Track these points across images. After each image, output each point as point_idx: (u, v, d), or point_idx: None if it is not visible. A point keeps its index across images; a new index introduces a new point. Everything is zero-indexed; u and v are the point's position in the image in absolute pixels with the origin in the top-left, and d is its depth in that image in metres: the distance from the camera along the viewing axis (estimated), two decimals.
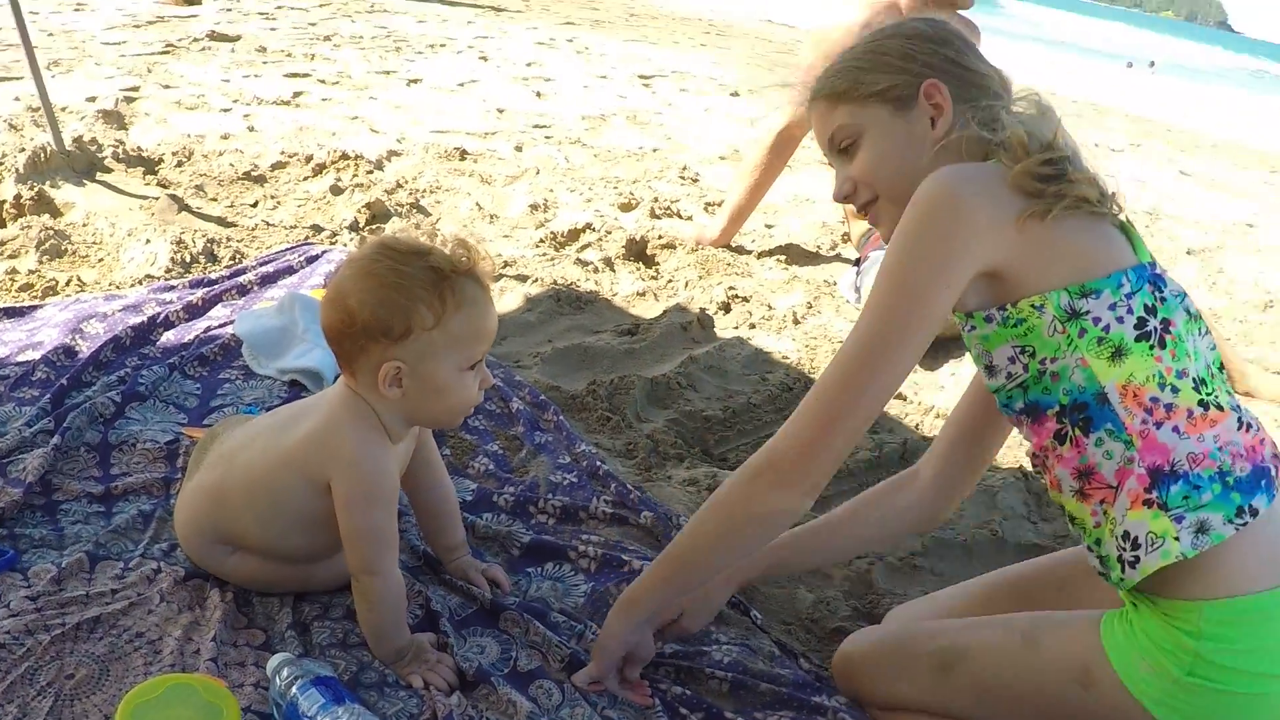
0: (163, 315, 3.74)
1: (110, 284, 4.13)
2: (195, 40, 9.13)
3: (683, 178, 6.95)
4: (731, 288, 4.91)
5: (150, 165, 5.59)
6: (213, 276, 4.19)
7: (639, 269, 5.11)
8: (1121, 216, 2.09)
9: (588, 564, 2.76)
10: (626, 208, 6.03)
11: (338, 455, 2.25)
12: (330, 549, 2.42)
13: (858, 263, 5.12)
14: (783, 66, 13.71)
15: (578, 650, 2.40)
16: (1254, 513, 1.95)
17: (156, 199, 5.00)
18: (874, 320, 2.02)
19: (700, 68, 12.49)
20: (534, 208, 5.78)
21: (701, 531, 2.21)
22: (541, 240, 5.28)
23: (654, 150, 7.71)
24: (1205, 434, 1.97)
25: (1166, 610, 1.99)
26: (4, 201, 4.74)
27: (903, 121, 2.20)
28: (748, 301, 4.81)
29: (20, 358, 3.39)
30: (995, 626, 2.28)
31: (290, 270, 4.33)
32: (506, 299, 4.47)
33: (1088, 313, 1.95)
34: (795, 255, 5.61)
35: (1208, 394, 2.01)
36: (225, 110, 7.02)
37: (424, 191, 5.79)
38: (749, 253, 5.54)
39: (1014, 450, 3.89)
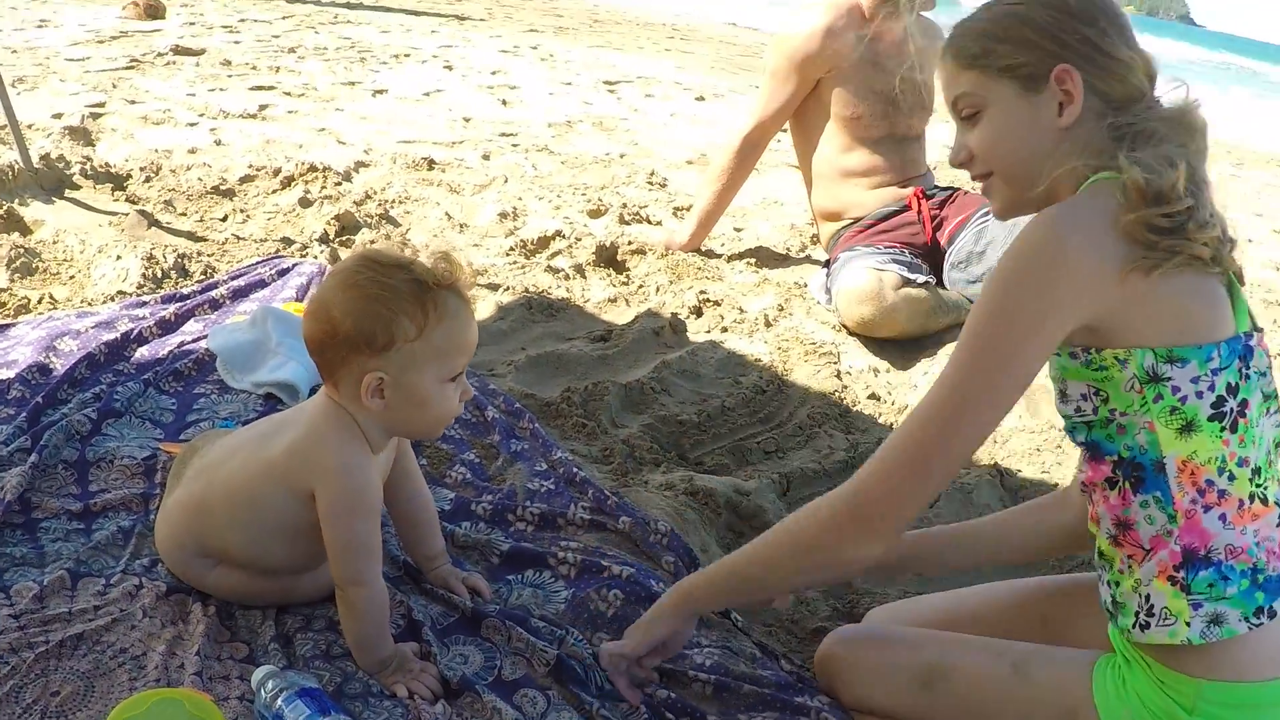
0: (136, 331, 3.74)
1: (83, 301, 4.13)
2: (160, 55, 9.12)
3: (651, 183, 6.96)
4: (703, 292, 4.93)
5: (118, 181, 5.59)
6: (185, 291, 4.19)
7: (610, 275, 5.12)
8: (1232, 272, 1.99)
9: (567, 570, 2.77)
10: (595, 214, 6.04)
11: (320, 466, 2.26)
12: (313, 561, 2.43)
13: (828, 264, 5.14)
14: (748, 70, 13.75)
15: (561, 655, 2.41)
16: (1272, 614, 1.94)
17: (126, 215, 5.00)
18: (965, 371, 1.95)
19: (665, 73, 12.52)
20: (503, 216, 5.79)
21: (776, 562, 2.21)
22: (512, 248, 5.29)
23: (621, 156, 7.73)
24: (1248, 527, 1.94)
25: (1162, 677, 1.98)
26: None
27: (1028, 103, 2.08)
28: (719, 305, 4.83)
29: None
30: (985, 651, 2.27)
31: (262, 283, 4.34)
32: (478, 308, 4.47)
33: (1169, 379, 1.88)
34: (765, 258, 5.63)
35: (1259, 485, 1.96)
36: (192, 124, 7.02)
37: (393, 202, 5.79)
38: (719, 256, 5.55)
39: (989, 448, 3.92)
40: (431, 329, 2.20)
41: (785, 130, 5.43)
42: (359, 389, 2.23)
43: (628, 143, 8.27)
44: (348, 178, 6.12)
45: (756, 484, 3.39)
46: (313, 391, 3.49)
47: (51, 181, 5.32)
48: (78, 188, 5.39)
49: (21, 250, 4.41)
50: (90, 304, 4.09)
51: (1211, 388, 1.89)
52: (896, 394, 4.29)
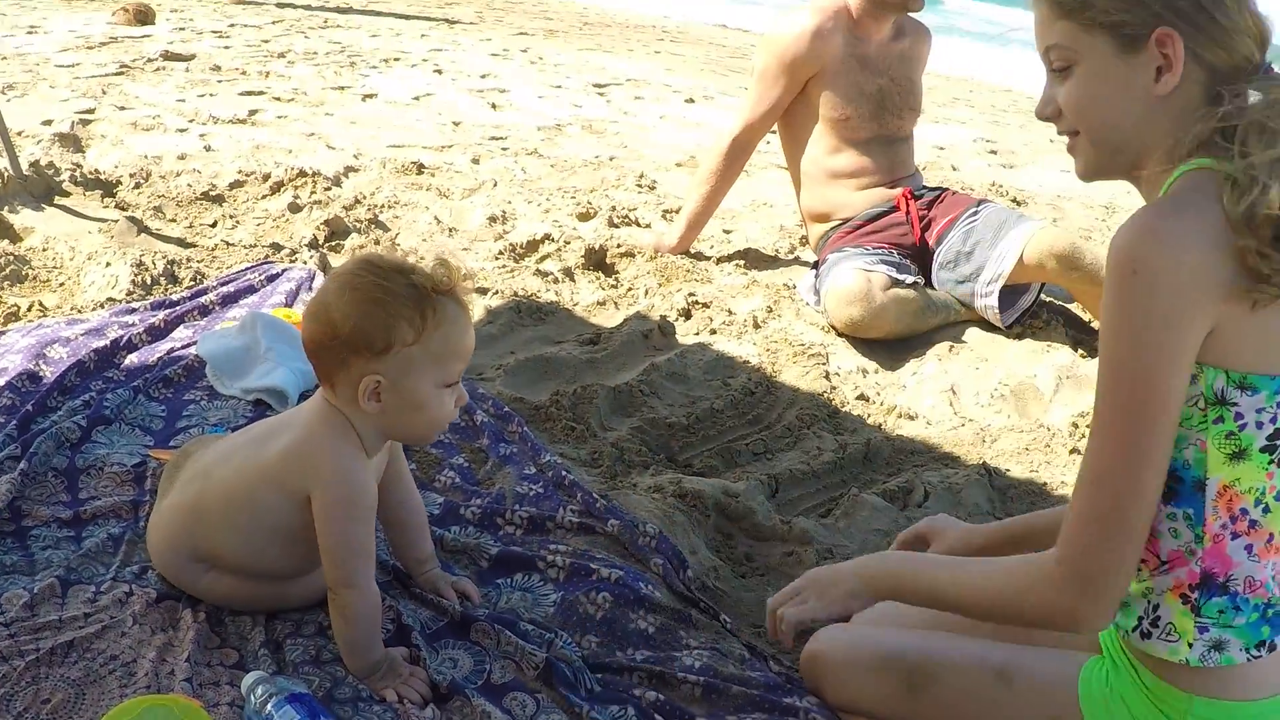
0: (125, 338, 3.75)
1: (72, 308, 4.13)
2: (149, 61, 9.12)
3: (640, 186, 6.96)
4: (691, 294, 4.94)
5: (108, 188, 5.59)
6: (174, 298, 4.20)
7: (599, 278, 5.13)
8: None
9: (556, 573, 2.78)
10: (584, 217, 6.04)
11: (317, 469, 2.28)
12: (306, 566, 2.45)
13: (816, 265, 5.15)
14: (737, 72, 13.75)
15: (550, 658, 2.42)
16: (1273, 648, 1.93)
17: (115, 222, 5.00)
18: (1119, 416, 1.85)
19: (655, 75, 12.51)
20: (492, 220, 5.79)
21: (984, 610, 2.14)
22: (501, 252, 5.29)
23: (610, 159, 7.73)
24: (1270, 561, 1.91)
25: (1151, 685, 1.98)
26: None
27: (1124, 65, 1.91)
28: (708, 307, 4.84)
29: None
30: (969, 654, 2.27)
31: (251, 289, 4.35)
32: None
33: (1235, 405, 1.82)
34: (754, 260, 5.64)
35: None
36: (181, 130, 7.02)
37: (382, 206, 5.80)
38: (708, 259, 5.56)
39: (977, 447, 3.93)
40: (430, 334, 2.22)
41: (774, 132, 5.44)
42: (356, 392, 2.25)
43: (617, 145, 8.27)
44: (337, 182, 6.13)
45: (745, 485, 3.40)
46: (302, 398, 3.50)
47: (41, 188, 5.33)
48: (67, 195, 5.39)
49: (11, 258, 4.42)
50: (80, 311, 4.10)
51: (1273, 420, 1.84)
52: (885, 394, 4.31)
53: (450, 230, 5.61)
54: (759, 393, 4.07)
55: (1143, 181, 2.01)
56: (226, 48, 10.28)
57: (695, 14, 23.79)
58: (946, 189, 5.30)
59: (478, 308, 4.54)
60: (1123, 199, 8.81)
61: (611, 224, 5.93)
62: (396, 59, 10.91)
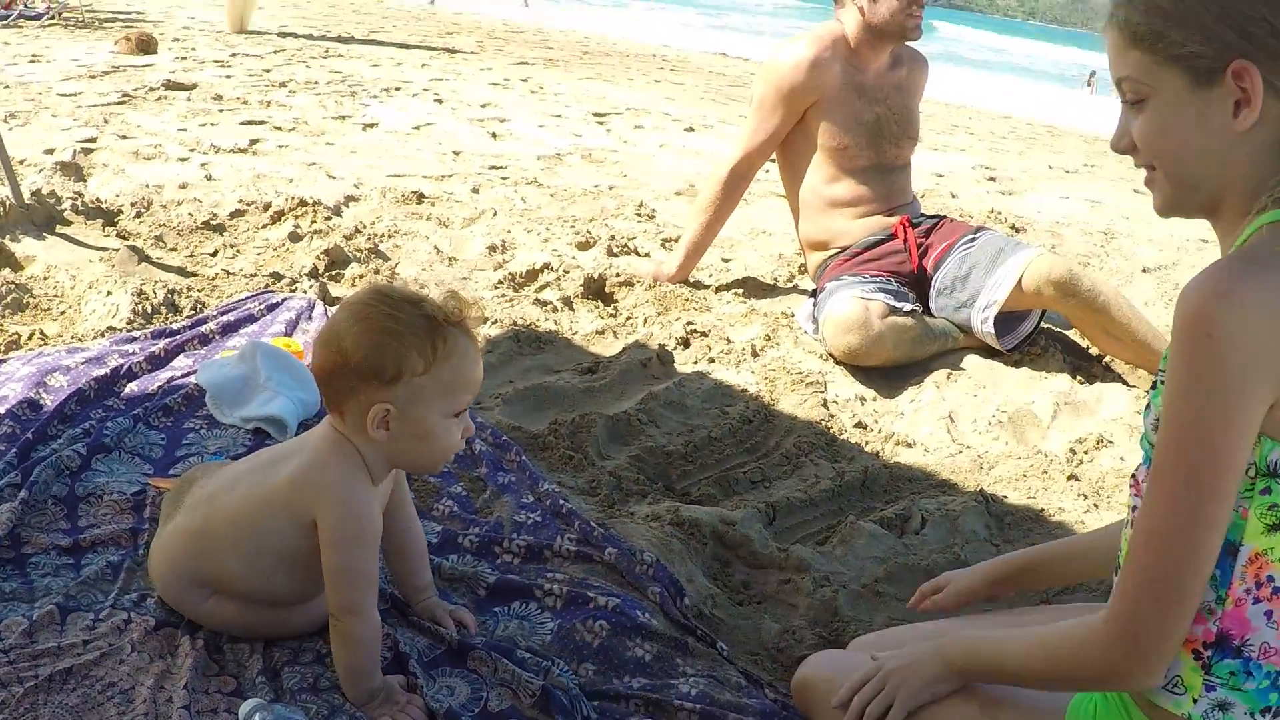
0: (126, 367, 3.76)
1: (73, 336, 4.14)
2: (151, 90, 9.16)
3: (639, 214, 6.99)
4: (690, 323, 4.95)
5: (109, 217, 5.61)
6: (174, 327, 4.21)
7: (598, 307, 5.15)
8: None
9: (554, 602, 2.79)
10: (584, 246, 6.06)
11: (323, 495, 2.29)
12: (309, 592, 2.46)
13: (814, 294, 5.16)
14: (737, 100, 13.78)
15: (547, 685, 2.42)
16: (1275, 714, 1.90)
17: (116, 250, 5.02)
18: (1180, 480, 1.79)
19: (655, 104, 12.55)
20: (492, 249, 5.81)
21: (1047, 681, 2.11)
22: (500, 281, 5.31)
23: (610, 188, 7.76)
24: None
25: None
26: None
27: (1199, 99, 1.83)
28: (706, 336, 4.85)
29: None
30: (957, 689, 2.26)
31: (251, 318, 4.36)
32: None
33: None
34: (752, 288, 5.65)
35: None
36: (183, 159, 7.05)
37: (382, 236, 5.81)
38: (706, 287, 5.58)
39: (974, 474, 3.94)
40: (439, 365, 2.25)
41: (773, 160, 5.47)
42: (365, 420, 2.27)
43: (617, 174, 8.30)
44: (337, 212, 6.14)
45: (742, 514, 3.41)
46: (302, 427, 3.52)
47: (43, 217, 5.34)
48: (69, 223, 5.40)
49: (12, 286, 4.43)
50: (81, 340, 4.11)
51: None
52: (883, 422, 4.32)
53: (450, 260, 5.62)
54: (757, 421, 4.08)
55: (1220, 223, 1.94)
56: (228, 77, 10.33)
57: (695, 43, 23.90)
58: (944, 217, 5.33)
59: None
60: (1121, 224, 8.84)
61: (611, 253, 5.95)
62: (397, 88, 10.96)
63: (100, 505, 2.96)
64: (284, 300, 4.56)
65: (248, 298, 4.58)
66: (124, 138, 7.40)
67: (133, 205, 5.78)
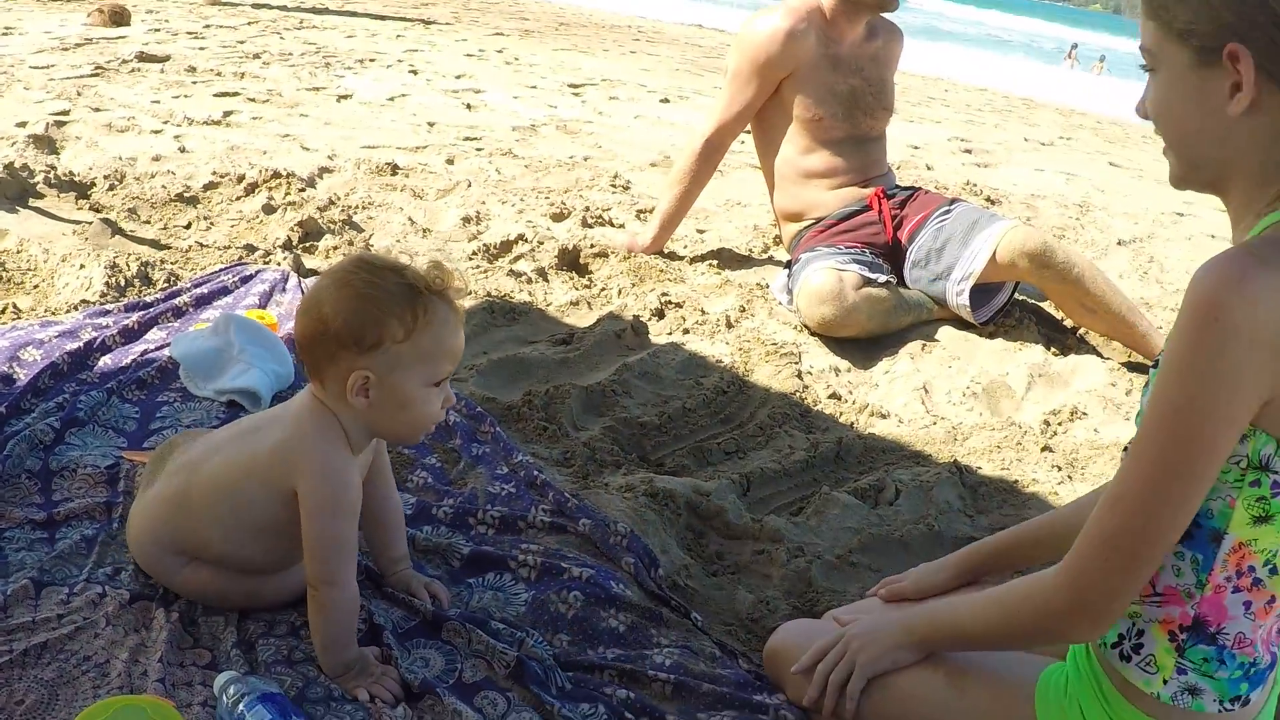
0: (99, 340, 3.75)
1: (46, 310, 4.12)
2: (124, 62, 9.09)
3: (614, 186, 6.98)
4: (664, 294, 4.96)
5: (83, 190, 5.58)
6: (148, 300, 4.19)
7: (572, 278, 5.14)
8: None
9: (528, 573, 2.79)
10: (558, 218, 6.05)
11: (303, 464, 2.30)
12: (286, 560, 2.47)
13: (789, 265, 5.17)
14: (712, 72, 13.77)
15: (522, 656, 2.43)
16: (1245, 702, 1.94)
17: (90, 224, 4.99)
18: (1158, 458, 1.80)
19: (630, 75, 12.54)
20: (466, 220, 5.79)
21: (998, 638, 2.16)
22: (474, 253, 5.30)
23: (585, 159, 7.75)
24: (1262, 623, 1.91)
25: (1113, 701, 2.00)
26: None
27: (1197, 78, 1.81)
28: (681, 307, 4.86)
29: None
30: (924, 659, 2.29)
31: (225, 291, 4.35)
32: None
33: (1276, 473, 1.78)
34: (727, 259, 5.66)
35: None
36: (156, 132, 7.00)
37: (356, 208, 5.80)
38: (681, 258, 5.58)
39: (948, 445, 3.96)
40: (420, 332, 2.25)
41: (748, 132, 5.47)
42: (344, 387, 2.27)
43: (591, 146, 8.29)
44: (311, 184, 6.12)
45: (717, 484, 3.42)
46: (276, 399, 3.51)
47: (15, 190, 5.31)
48: (42, 196, 5.37)
49: None
50: (54, 313, 4.09)
51: None
52: (857, 393, 4.33)
53: (424, 231, 5.61)
54: (731, 392, 4.08)
55: (1230, 204, 1.91)
56: (202, 49, 10.26)
57: (670, 14, 23.82)
58: (919, 188, 5.34)
59: None
60: (1097, 196, 8.87)
61: (585, 224, 5.95)
62: (372, 60, 10.92)
63: (74, 479, 2.95)
64: (258, 272, 4.55)
65: (221, 270, 4.56)
66: (97, 110, 7.35)
67: (106, 178, 5.75)
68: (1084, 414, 4.26)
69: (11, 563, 2.57)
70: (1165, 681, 1.93)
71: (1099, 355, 4.89)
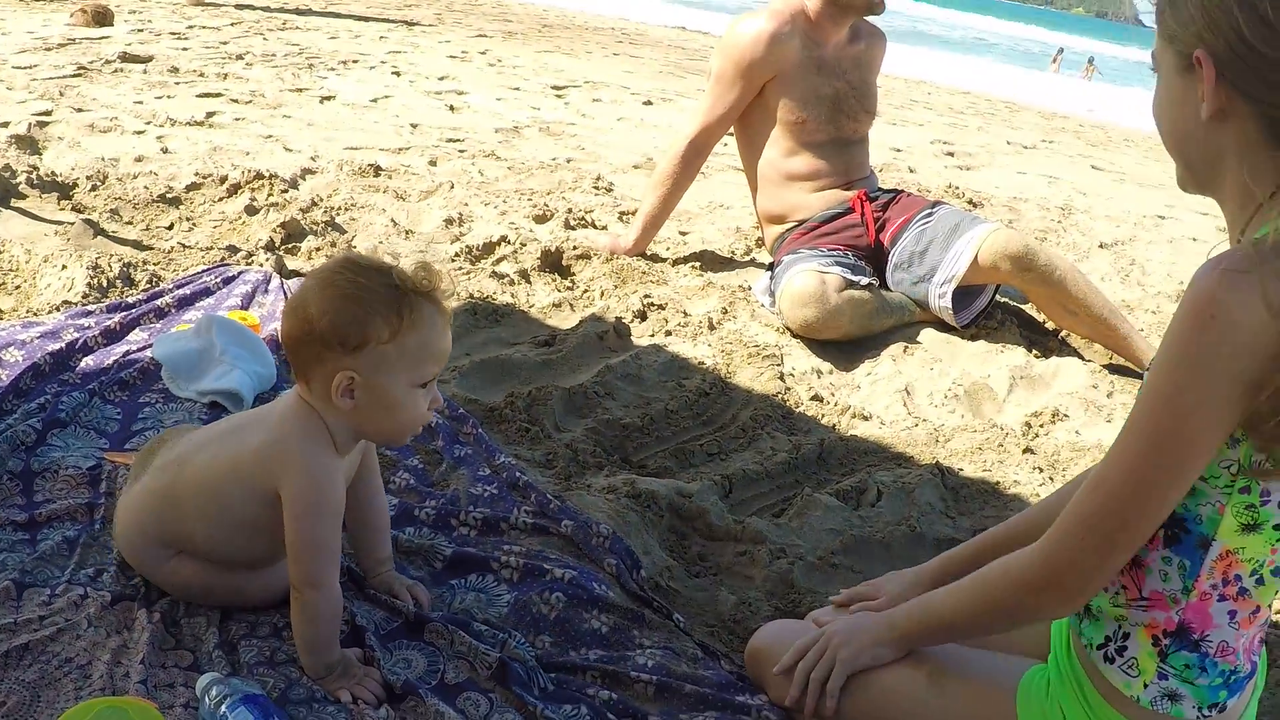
0: (81, 341, 3.74)
1: (28, 311, 4.12)
2: (107, 62, 9.07)
3: (597, 188, 6.99)
4: (647, 296, 4.96)
5: (65, 190, 5.56)
6: (130, 300, 4.18)
7: (555, 280, 5.14)
8: None
9: (510, 574, 2.80)
10: (541, 219, 6.05)
11: (288, 466, 2.30)
12: (270, 558, 2.47)
13: (771, 267, 5.17)
14: (695, 74, 13.78)
15: (504, 657, 2.44)
16: (1223, 709, 1.95)
17: (72, 224, 4.98)
18: (1141, 452, 1.82)
19: (613, 77, 12.54)
20: (449, 222, 5.79)
21: (977, 620, 2.18)
22: (457, 254, 5.29)
23: (567, 161, 7.75)
24: (1245, 632, 1.93)
25: (1095, 705, 2.01)
26: None
27: (1182, 83, 1.84)
28: (663, 309, 4.86)
29: None
30: (906, 655, 2.29)
31: (207, 292, 4.34)
32: None
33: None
34: (710, 261, 5.66)
35: (1272, 597, 1.93)
36: (139, 132, 6.99)
37: (339, 209, 5.79)
38: (664, 260, 5.58)
39: (930, 447, 3.96)
40: (405, 333, 2.24)
41: (731, 134, 5.47)
42: (330, 388, 2.27)
43: (574, 147, 8.29)
44: (294, 185, 6.11)
45: (699, 486, 3.42)
46: (258, 401, 3.51)
47: None
48: (24, 197, 5.36)
49: None
50: (36, 314, 4.08)
51: None
52: (839, 395, 4.34)
53: (407, 232, 5.61)
54: (713, 394, 4.09)
55: (1224, 207, 1.92)
56: (185, 49, 10.24)
57: (654, 17, 23.84)
58: (902, 191, 5.35)
59: None
60: (1079, 200, 8.89)
61: (568, 226, 5.95)
62: (355, 61, 10.90)
63: (56, 480, 2.95)
64: (240, 274, 4.54)
65: (204, 271, 4.56)
66: (79, 110, 7.33)
67: (88, 179, 5.73)
68: (1065, 416, 4.27)
69: None
70: (1145, 685, 1.94)
71: (1080, 358, 4.90)
